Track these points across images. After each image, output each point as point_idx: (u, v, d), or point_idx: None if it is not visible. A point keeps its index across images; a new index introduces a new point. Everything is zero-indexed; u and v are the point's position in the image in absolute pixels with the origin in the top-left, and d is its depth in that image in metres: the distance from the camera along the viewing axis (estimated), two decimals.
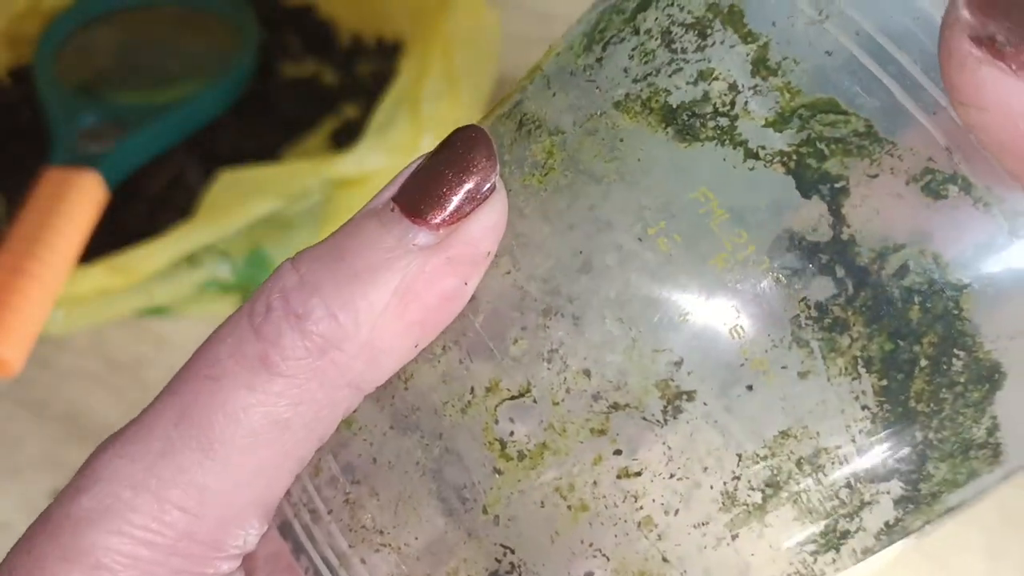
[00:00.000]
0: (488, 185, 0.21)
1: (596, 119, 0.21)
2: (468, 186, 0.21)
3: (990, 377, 0.20)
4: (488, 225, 0.21)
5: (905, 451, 0.21)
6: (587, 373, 0.21)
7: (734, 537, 0.21)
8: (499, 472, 0.21)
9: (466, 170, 0.21)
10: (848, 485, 0.21)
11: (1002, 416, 0.21)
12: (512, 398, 0.21)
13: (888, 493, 0.21)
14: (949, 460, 0.21)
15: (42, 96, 0.59)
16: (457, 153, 0.21)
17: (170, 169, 0.63)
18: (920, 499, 0.22)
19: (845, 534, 0.22)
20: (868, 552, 0.23)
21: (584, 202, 0.21)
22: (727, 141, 0.20)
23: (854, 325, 0.20)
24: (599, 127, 0.21)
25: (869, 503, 0.21)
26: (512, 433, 0.21)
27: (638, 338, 0.20)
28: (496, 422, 0.21)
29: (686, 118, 0.21)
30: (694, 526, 0.21)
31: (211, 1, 0.64)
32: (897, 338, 0.20)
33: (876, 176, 0.19)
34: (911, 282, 0.19)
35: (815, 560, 0.22)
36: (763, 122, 0.20)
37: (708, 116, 0.20)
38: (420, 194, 0.21)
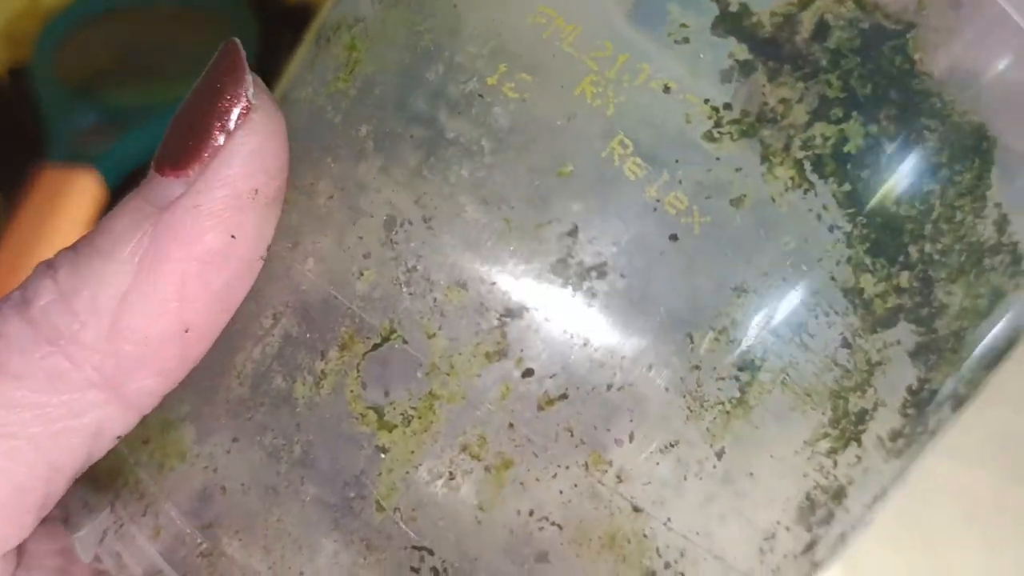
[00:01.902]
0: (237, 108, 0.16)
1: None
2: (212, 115, 0.15)
3: (977, 146, 0.15)
4: (244, 156, 0.15)
5: (903, 277, 0.15)
6: (461, 284, 0.15)
7: (719, 455, 0.16)
8: (384, 450, 0.15)
9: (210, 97, 0.16)
10: (845, 343, 0.15)
11: (1008, 201, 0.16)
12: (375, 347, 0.15)
13: (899, 344, 0.16)
14: (962, 279, 0.16)
15: (41, 95, 0.57)
16: (205, 81, 0.16)
17: None
18: (942, 344, 0.16)
19: (862, 416, 0.16)
20: (904, 440, 0.17)
21: (402, 79, 0.16)
22: None
23: (784, 117, 0.15)
24: None
25: (879, 363, 0.16)
26: (387, 393, 0.15)
27: (512, 215, 0.15)
28: (363, 386, 0.15)
29: None
30: (660, 451, 0.15)
31: (210, 0, 0.62)
32: (844, 122, 0.15)
33: None
34: (838, 41, 0.15)
35: (835, 463, 0.16)
36: None
37: None
38: (174, 141, 0.16)
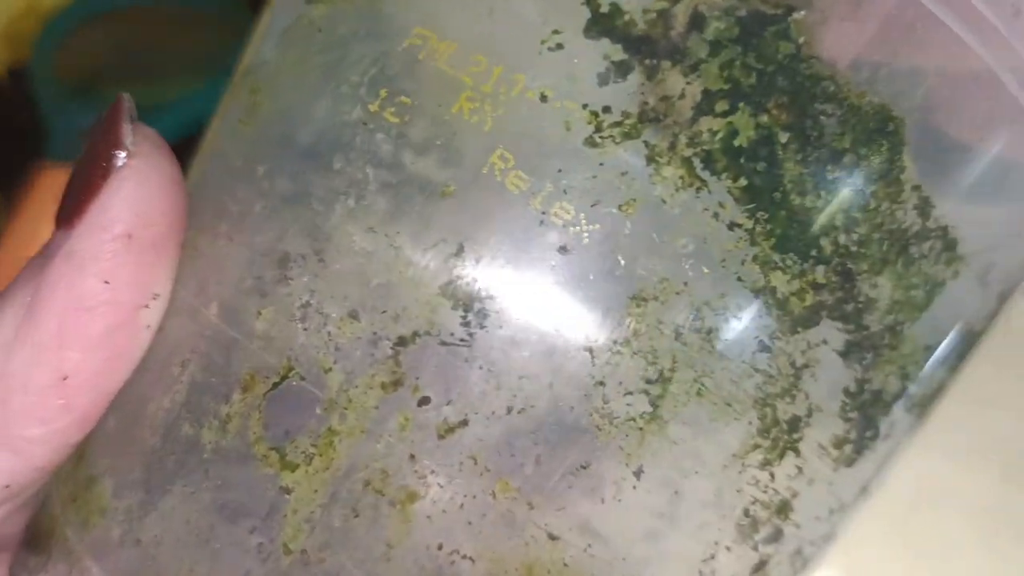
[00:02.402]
0: (116, 157, 0.16)
1: (294, 28, 0.17)
2: (95, 167, 0.16)
3: (882, 128, 0.14)
4: (118, 202, 0.15)
5: (818, 272, 0.15)
6: (353, 315, 0.15)
7: (637, 474, 0.15)
8: (287, 491, 0.15)
9: (94, 149, 0.16)
10: (763, 347, 0.15)
11: (931, 184, 0.15)
12: (275, 386, 0.15)
13: (826, 343, 0.15)
14: (887, 269, 0.15)
15: (40, 95, 0.58)
16: (92, 135, 0.16)
17: None
18: (876, 341, 0.15)
19: (795, 423, 0.15)
20: (853, 446, 0.16)
21: (294, 115, 0.16)
22: None
23: (666, 115, 0.14)
24: (298, 32, 0.17)
25: (806, 366, 0.15)
26: (287, 432, 0.15)
27: (399, 240, 0.15)
28: (265, 426, 0.15)
29: None
30: (571, 474, 0.15)
31: (210, 0, 0.63)
32: (731, 114, 0.14)
33: None
34: (715, 32, 0.14)
35: (772, 476, 0.15)
36: None
37: None
38: (66, 196, 0.16)
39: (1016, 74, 0.15)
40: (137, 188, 0.16)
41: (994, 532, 0.39)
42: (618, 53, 0.14)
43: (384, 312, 0.15)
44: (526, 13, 0.14)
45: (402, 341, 0.15)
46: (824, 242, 0.15)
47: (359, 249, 0.15)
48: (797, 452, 0.15)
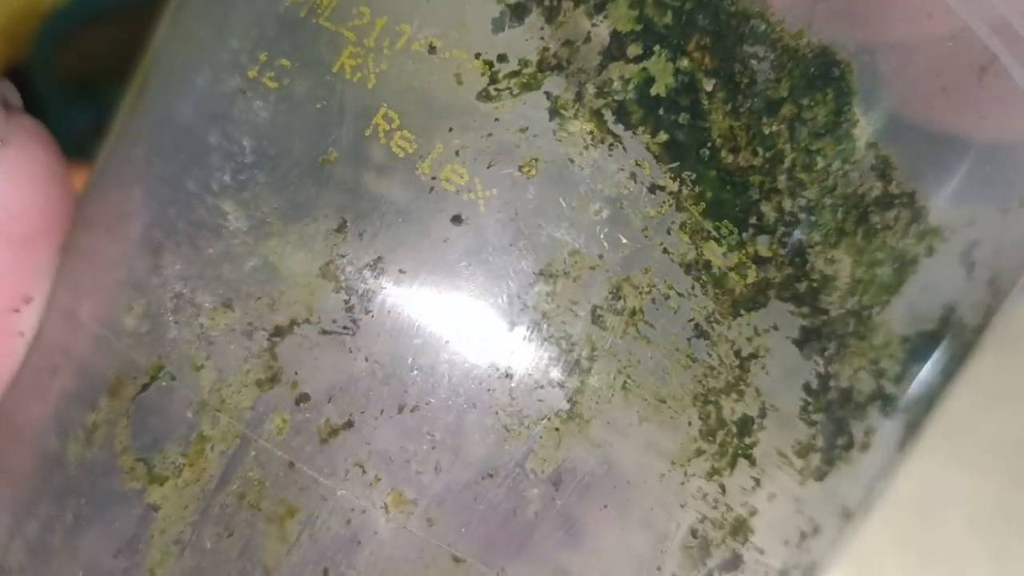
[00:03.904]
0: None
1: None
2: None
3: (826, 73, 0.12)
4: None
5: (760, 243, 0.13)
6: (227, 303, 0.13)
7: (555, 483, 0.13)
8: (155, 508, 0.13)
9: None
10: (699, 332, 0.13)
11: (886, 138, 0.13)
12: (144, 388, 0.13)
13: (777, 329, 0.13)
14: (845, 240, 0.13)
15: (40, 95, 0.56)
16: None
17: None
18: (839, 329, 0.13)
19: (745, 424, 0.13)
20: (822, 456, 0.14)
21: (175, 89, 0.14)
22: None
23: (571, 62, 0.12)
24: (186, 2, 0.15)
25: (754, 355, 0.13)
26: (156, 440, 0.13)
27: (274, 216, 0.13)
28: (133, 435, 0.13)
29: None
30: (475, 483, 0.12)
31: None
32: (645, 59, 0.12)
33: None
34: None
35: (723, 488, 0.13)
36: None
37: None
38: None
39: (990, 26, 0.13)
40: (4, 179, 0.14)
41: (1000, 534, 0.38)
42: None
43: (259, 299, 0.13)
44: None
45: (279, 331, 0.13)
46: (765, 208, 0.13)
47: (233, 229, 0.13)
48: (751, 460, 0.13)
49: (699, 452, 0.13)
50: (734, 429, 0.13)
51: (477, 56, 0.12)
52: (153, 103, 0.15)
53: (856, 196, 0.13)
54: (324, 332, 0.13)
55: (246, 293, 0.13)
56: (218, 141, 0.13)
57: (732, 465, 0.13)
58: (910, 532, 0.38)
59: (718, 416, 0.13)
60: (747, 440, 0.13)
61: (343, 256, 0.13)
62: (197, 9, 0.15)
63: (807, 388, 0.13)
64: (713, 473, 0.13)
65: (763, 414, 0.13)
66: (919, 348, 0.14)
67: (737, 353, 0.13)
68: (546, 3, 0.12)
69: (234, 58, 0.14)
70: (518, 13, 0.12)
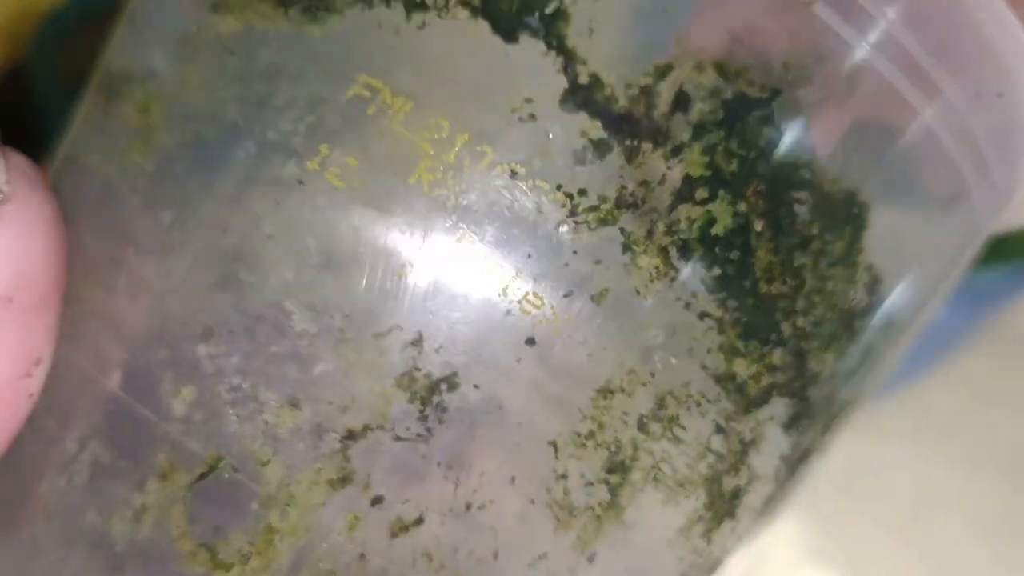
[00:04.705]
0: None
1: (194, 39, 0.14)
2: None
3: (849, 213, 0.14)
4: None
5: (776, 354, 0.14)
6: (293, 403, 0.13)
7: (591, 560, 0.14)
8: None
9: None
10: (719, 430, 0.14)
11: (879, 261, 0.15)
12: (202, 476, 0.13)
13: (773, 419, 0.15)
14: (834, 345, 0.15)
15: (41, 95, 0.55)
16: None
17: None
18: (815, 410, 0.15)
19: (736, 493, 0.15)
20: (772, 501, 0.16)
21: (207, 157, 0.14)
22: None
23: (645, 201, 0.13)
24: (199, 48, 0.14)
25: (753, 441, 0.15)
26: (217, 528, 0.13)
27: (346, 325, 0.13)
28: (190, 520, 0.13)
29: None
30: (529, 565, 0.14)
31: None
32: (710, 202, 0.13)
33: None
34: (700, 114, 0.13)
35: (709, 541, 0.15)
36: None
37: None
38: None
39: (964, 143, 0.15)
40: (16, 241, 0.13)
41: (999, 534, 0.38)
42: (597, 131, 0.13)
43: (331, 402, 0.13)
44: (495, 73, 0.13)
45: (351, 435, 0.13)
46: (784, 326, 0.14)
47: (300, 331, 0.13)
48: (734, 517, 0.16)
49: (699, 519, 0.15)
50: (727, 498, 0.15)
51: (559, 188, 0.13)
52: (176, 162, 0.14)
53: (849, 310, 0.15)
54: (398, 439, 0.13)
55: (315, 396, 0.13)
56: (275, 233, 0.13)
57: (719, 525, 0.15)
58: (909, 532, 0.37)
59: (719, 490, 0.15)
60: (734, 503, 0.15)
61: (418, 368, 0.13)
62: (223, 64, 0.14)
63: (782, 456, 0.16)
64: (706, 533, 0.15)
65: (749, 483, 0.15)
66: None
67: (741, 441, 0.15)
68: (627, 143, 0.13)
69: (286, 141, 0.13)
70: (600, 150, 0.13)
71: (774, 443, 0.15)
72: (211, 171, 0.14)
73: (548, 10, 0.13)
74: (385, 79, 0.13)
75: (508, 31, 0.13)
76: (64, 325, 0.14)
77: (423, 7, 0.13)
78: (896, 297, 0.15)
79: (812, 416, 0.16)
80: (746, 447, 0.15)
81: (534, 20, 0.13)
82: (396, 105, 0.13)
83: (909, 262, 0.15)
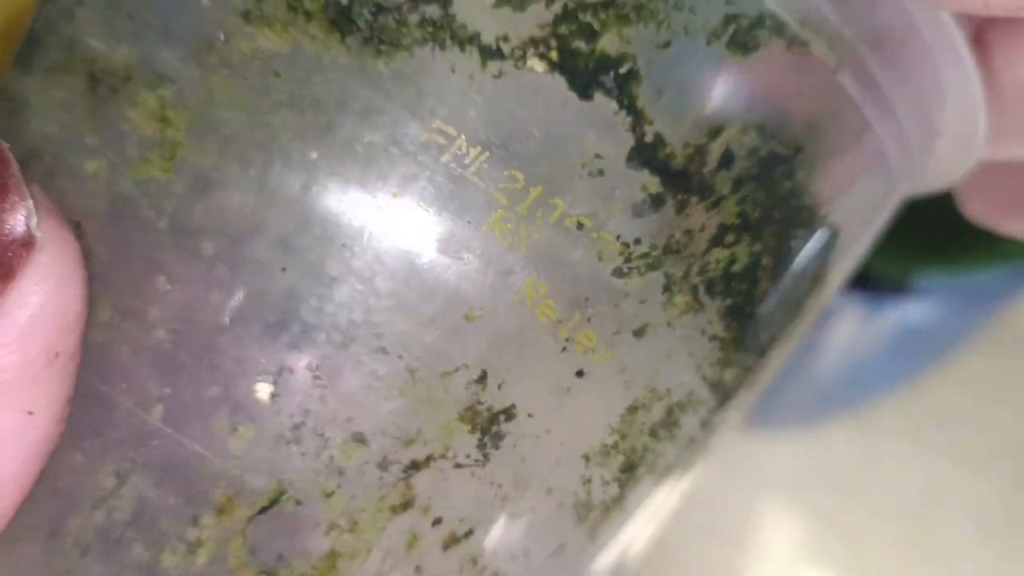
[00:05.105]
0: (17, 247, 0.12)
1: (223, 49, 0.13)
2: None
3: (827, 244, 0.16)
4: (34, 312, 0.12)
5: (750, 358, 0.16)
6: (360, 439, 0.14)
7: (593, 541, 0.16)
8: None
9: None
10: (704, 424, 0.16)
11: (829, 264, 0.17)
12: (263, 510, 0.14)
13: (738, 407, 0.17)
14: (786, 334, 0.17)
15: None
16: None
17: None
18: (758, 381, 0.18)
19: (696, 460, 0.18)
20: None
21: (254, 186, 0.13)
22: (447, 39, 0.13)
23: (686, 247, 0.14)
24: (231, 61, 0.13)
25: (720, 426, 0.17)
26: (281, 557, 0.14)
27: (416, 364, 0.14)
28: (251, 552, 0.14)
29: (370, 16, 0.13)
30: (551, 555, 0.16)
31: None
32: (736, 245, 0.15)
33: (668, 44, 0.14)
34: (740, 170, 0.14)
35: (671, 498, 0.18)
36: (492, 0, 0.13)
37: (404, 6, 0.13)
38: None
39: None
40: (56, 293, 0.12)
41: (1002, 535, 0.38)
42: (655, 185, 0.14)
43: (397, 438, 0.14)
44: (569, 128, 0.14)
45: (415, 465, 0.14)
46: (763, 336, 0.16)
47: (368, 367, 0.14)
48: (686, 476, 0.18)
49: (673, 488, 0.17)
50: (690, 466, 0.18)
51: (618, 238, 0.14)
52: (213, 189, 0.13)
53: (802, 304, 0.17)
54: (458, 466, 0.14)
55: (381, 431, 0.14)
56: (342, 274, 0.13)
57: (679, 482, 0.18)
58: (911, 532, 0.37)
59: (688, 464, 0.17)
60: (692, 466, 0.18)
61: (481, 403, 0.14)
62: (265, 86, 0.13)
63: (730, 425, 0.18)
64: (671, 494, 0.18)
65: (706, 452, 0.18)
66: None
67: (714, 429, 0.17)
68: (679, 197, 0.14)
69: (349, 179, 0.13)
70: (657, 203, 0.14)
71: (731, 422, 0.18)
72: (262, 203, 0.13)
73: (622, 70, 0.13)
74: (458, 126, 0.13)
75: (583, 88, 0.13)
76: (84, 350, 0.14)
77: (500, 55, 0.13)
78: (831, 282, 0.18)
79: (755, 386, 0.18)
80: (715, 432, 0.17)
81: (608, 79, 0.13)
82: (473, 154, 0.13)
83: (846, 254, 0.18)
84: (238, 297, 0.13)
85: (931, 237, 0.33)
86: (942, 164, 0.19)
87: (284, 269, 0.13)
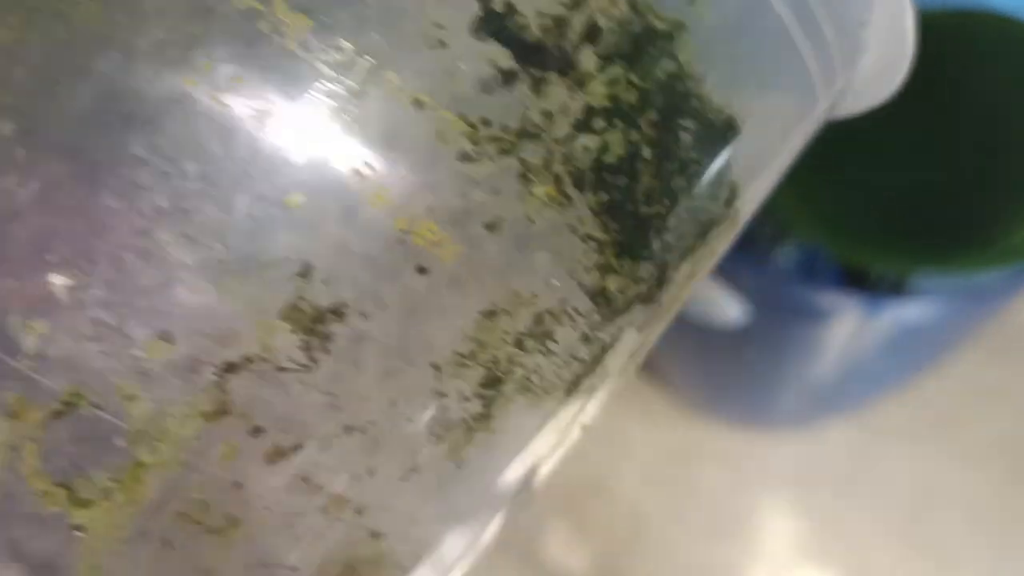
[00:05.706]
0: None
1: None
2: None
3: (723, 137, 0.14)
4: None
5: (643, 268, 0.15)
6: (167, 336, 0.12)
7: (459, 466, 0.15)
8: (81, 529, 0.13)
9: None
10: (585, 339, 0.15)
11: (738, 174, 0.15)
12: (56, 414, 0.12)
13: (631, 324, 0.16)
14: (689, 255, 0.16)
15: None
16: None
17: None
18: (662, 310, 0.16)
19: (590, 389, 0.16)
20: (613, 388, 0.17)
21: (60, 64, 0.12)
22: None
23: (546, 131, 0.13)
24: None
25: (611, 344, 0.16)
26: (79, 467, 0.13)
27: (228, 255, 0.12)
28: (45, 459, 0.12)
29: None
30: (400, 478, 0.14)
31: None
32: (608, 132, 0.13)
33: None
34: (607, 46, 0.13)
35: (575, 422, 0.16)
36: None
37: None
38: None
39: None
40: None
41: (998, 532, 0.38)
42: (507, 60, 0.12)
43: (208, 335, 0.12)
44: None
45: (230, 367, 0.13)
46: (655, 242, 0.15)
47: (173, 260, 0.12)
48: (584, 410, 0.16)
49: (555, 416, 0.16)
50: (582, 394, 0.16)
51: (462, 117, 0.12)
52: (16, 62, 0.12)
53: (709, 222, 0.16)
54: (280, 369, 0.13)
55: (190, 328, 0.12)
56: (148, 155, 0.12)
57: (573, 418, 0.16)
58: (909, 530, 0.37)
59: (576, 390, 0.16)
60: (587, 398, 0.16)
61: (304, 299, 0.13)
62: None
63: (630, 353, 0.17)
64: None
65: (602, 379, 0.16)
66: None
67: (603, 347, 0.16)
68: (534, 73, 0.12)
69: (159, 52, 0.12)
70: (508, 80, 0.12)
71: (628, 344, 0.16)
72: (64, 79, 0.12)
73: None
74: None
75: None
76: None
77: None
78: (745, 201, 0.16)
79: (660, 316, 0.16)
80: (605, 350, 0.16)
81: None
82: (292, 23, 0.12)
83: (760, 168, 0.16)
84: (36, 180, 0.12)
85: (931, 237, 0.32)
86: (870, 82, 0.17)
87: (83, 152, 0.12)
